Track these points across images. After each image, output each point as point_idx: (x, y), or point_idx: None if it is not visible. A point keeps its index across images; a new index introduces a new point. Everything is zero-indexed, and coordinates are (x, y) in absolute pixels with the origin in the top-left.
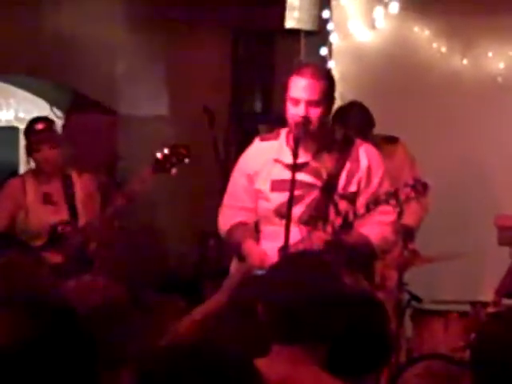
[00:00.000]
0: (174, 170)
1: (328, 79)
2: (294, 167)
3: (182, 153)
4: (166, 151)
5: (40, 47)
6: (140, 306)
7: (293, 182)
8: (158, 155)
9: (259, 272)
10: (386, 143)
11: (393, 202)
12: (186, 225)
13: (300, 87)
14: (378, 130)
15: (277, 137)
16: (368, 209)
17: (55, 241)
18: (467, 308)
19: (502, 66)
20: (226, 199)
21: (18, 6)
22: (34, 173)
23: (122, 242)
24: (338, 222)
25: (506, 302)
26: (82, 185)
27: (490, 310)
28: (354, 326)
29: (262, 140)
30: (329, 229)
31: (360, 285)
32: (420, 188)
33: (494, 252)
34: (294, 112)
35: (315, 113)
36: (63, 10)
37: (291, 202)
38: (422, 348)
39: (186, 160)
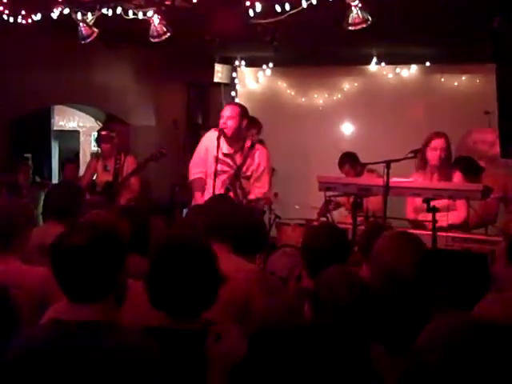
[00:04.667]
0: (158, 160)
1: (239, 108)
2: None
3: (162, 151)
4: (154, 151)
5: (89, 90)
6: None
7: (217, 159)
8: (152, 152)
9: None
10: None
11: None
12: (165, 179)
13: (225, 110)
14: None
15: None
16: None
17: (106, 190)
18: (303, 222)
19: (321, 101)
20: (192, 161)
21: (76, 67)
22: (100, 155)
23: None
24: (241, 192)
25: (323, 219)
26: (127, 162)
27: (315, 223)
28: (247, 227)
29: (215, 130)
30: (239, 193)
31: (259, 206)
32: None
33: (317, 194)
34: (221, 123)
35: (230, 123)
36: (103, 71)
37: (216, 174)
38: (280, 241)
39: (163, 154)
